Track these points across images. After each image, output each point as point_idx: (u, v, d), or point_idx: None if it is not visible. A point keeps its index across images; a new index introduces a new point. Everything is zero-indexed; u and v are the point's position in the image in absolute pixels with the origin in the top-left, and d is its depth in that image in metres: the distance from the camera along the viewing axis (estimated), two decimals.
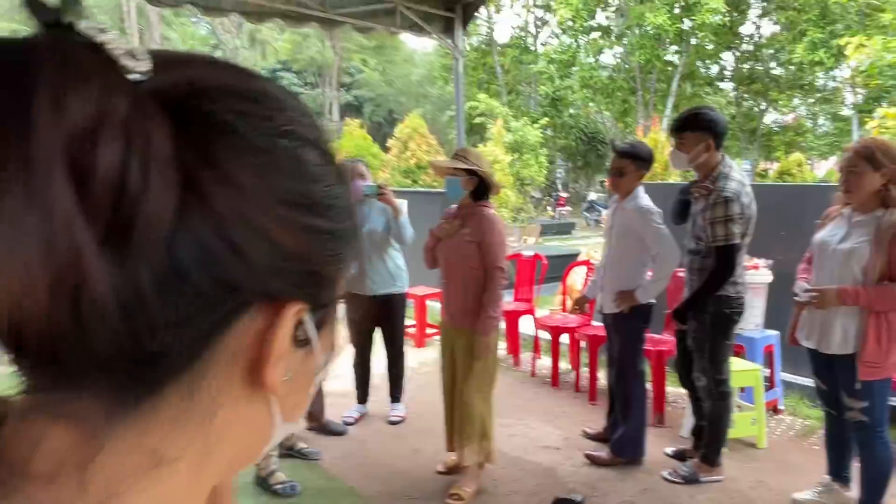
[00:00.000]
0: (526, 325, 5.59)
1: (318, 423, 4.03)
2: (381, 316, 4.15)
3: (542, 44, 23.61)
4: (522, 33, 23.86)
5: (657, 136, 9.35)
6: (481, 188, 3.13)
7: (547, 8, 22.97)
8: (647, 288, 3.22)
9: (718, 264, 2.97)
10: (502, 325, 6.06)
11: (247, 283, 0.32)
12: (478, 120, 17.15)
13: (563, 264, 8.67)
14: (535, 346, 5.31)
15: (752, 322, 4.07)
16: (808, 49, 16.33)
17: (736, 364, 3.74)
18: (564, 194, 20.90)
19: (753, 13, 21.05)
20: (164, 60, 0.31)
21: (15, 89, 0.26)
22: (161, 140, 0.28)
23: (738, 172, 3.02)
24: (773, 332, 4.18)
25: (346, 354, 4.34)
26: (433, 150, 13.61)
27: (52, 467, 0.30)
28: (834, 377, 2.78)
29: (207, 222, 0.29)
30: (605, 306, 3.45)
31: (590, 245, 13.54)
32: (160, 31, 24.44)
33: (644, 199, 3.28)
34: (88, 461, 0.30)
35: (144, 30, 23.68)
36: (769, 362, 4.26)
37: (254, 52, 38.26)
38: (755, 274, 4.03)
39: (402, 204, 3.96)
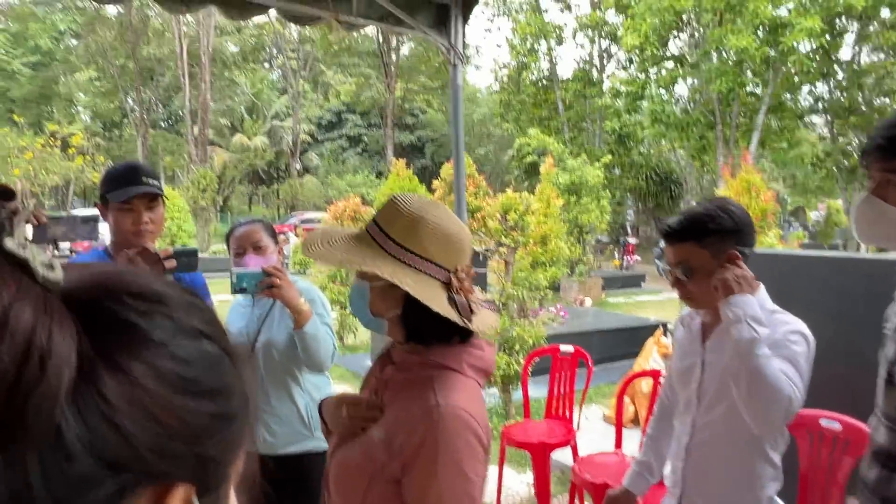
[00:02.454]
0: (564, 457, 3.77)
1: None
2: (290, 488, 2.42)
3: (607, 76, 21.74)
4: (587, 66, 22.04)
5: (751, 178, 7.04)
6: (422, 317, 1.12)
7: (613, 38, 21.13)
8: None
9: None
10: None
11: (132, 464, 0.34)
12: (530, 158, 15.34)
13: (629, 338, 6.78)
14: (573, 496, 3.43)
15: None
16: None
17: None
18: (633, 240, 18.57)
19: (850, 37, 18.58)
20: (76, 268, 0.37)
21: None
22: (60, 338, 0.32)
23: None
24: None
25: None
26: (481, 192, 12.26)
27: None
28: None
29: (97, 409, 0.32)
30: None
31: (662, 304, 11.44)
32: (209, 73, 24.10)
33: (773, 311, 1.42)
34: None
35: (196, 73, 23.43)
36: None
37: (318, 95, 38.59)
38: None
39: (314, 296, 2.25)
